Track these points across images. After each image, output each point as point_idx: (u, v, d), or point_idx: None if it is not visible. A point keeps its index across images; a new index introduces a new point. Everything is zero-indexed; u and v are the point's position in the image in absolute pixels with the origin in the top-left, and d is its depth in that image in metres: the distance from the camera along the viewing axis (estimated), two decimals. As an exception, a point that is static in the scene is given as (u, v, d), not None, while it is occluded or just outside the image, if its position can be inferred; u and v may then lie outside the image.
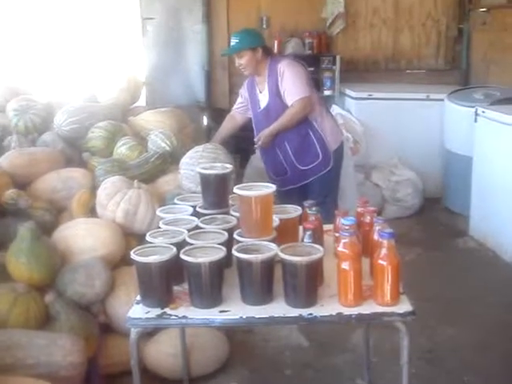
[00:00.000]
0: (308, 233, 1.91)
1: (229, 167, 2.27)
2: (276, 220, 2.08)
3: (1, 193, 3.15)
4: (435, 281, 3.99)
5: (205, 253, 1.83)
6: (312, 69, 5.61)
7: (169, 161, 3.66)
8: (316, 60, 5.84)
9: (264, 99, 3.88)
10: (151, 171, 3.55)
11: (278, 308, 1.79)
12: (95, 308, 2.82)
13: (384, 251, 1.74)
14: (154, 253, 1.85)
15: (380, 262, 1.75)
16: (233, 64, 6.14)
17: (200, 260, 1.77)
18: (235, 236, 1.96)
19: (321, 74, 5.90)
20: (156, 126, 4.07)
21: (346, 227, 1.87)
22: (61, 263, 2.87)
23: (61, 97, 4.44)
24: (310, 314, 1.75)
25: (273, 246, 1.84)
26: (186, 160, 3.42)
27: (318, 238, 2.00)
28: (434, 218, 5.28)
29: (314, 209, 2.16)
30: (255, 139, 3.96)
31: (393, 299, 1.78)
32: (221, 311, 1.79)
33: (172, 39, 5.93)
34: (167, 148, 3.73)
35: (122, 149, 3.75)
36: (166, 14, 5.86)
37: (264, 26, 6.00)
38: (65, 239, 2.98)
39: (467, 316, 3.53)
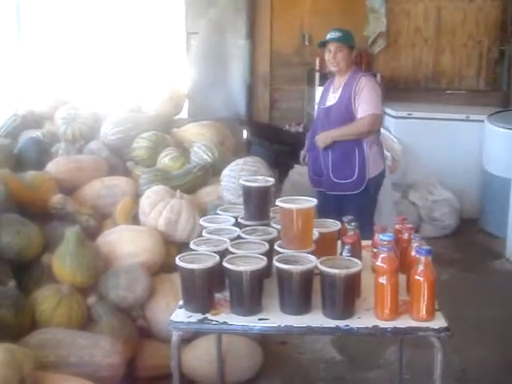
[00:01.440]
0: (347, 247, 1.96)
1: (270, 180, 2.34)
2: (316, 233, 2.14)
3: (48, 197, 3.28)
4: (469, 301, 3.98)
5: (246, 262, 1.90)
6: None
7: (210, 172, 3.75)
8: (356, 78, 5.88)
9: (332, 99, 3.93)
10: (193, 182, 3.64)
11: (316, 319, 1.85)
12: (135, 312, 2.91)
13: (421, 267, 1.79)
14: (198, 260, 1.92)
15: (417, 277, 1.79)
16: (274, 80, 6.30)
17: (242, 268, 1.84)
18: (276, 247, 2.02)
19: (362, 93, 5.93)
20: (198, 139, 4.17)
21: (385, 243, 1.92)
22: (104, 267, 2.98)
23: (107, 106, 4.59)
24: (347, 326, 1.80)
25: (312, 258, 1.90)
26: (227, 172, 3.50)
27: (356, 252, 2.05)
28: (471, 239, 5.25)
29: (352, 224, 2.22)
30: (316, 137, 3.96)
31: (428, 315, 1.82)
32: (260, 319, 1.85)
33: (215, 54, 6.08)
34: (209, 160, 3.82)
35: (165, 159, 3.85)
36: (210, 28, 6.02)
37: (306, 43, 6.10)
38: (108, 244, 3.09)
39: (501, 337, 3.51)
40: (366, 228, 3.44)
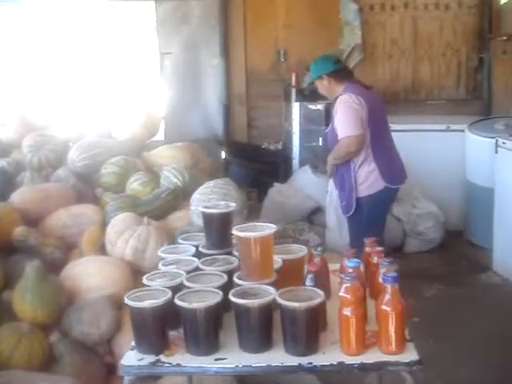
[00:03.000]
0: (310, 276, 1.83)
1: (232, 206, 2.21)
2: (279, 261, 2.01)
3: (11, 230, 3.14)
4: (456, 318, 3.85)
5: (202, 297, 1.76)
6: (329, 101, 5.57)
7: (180, 197, 3.63)
8: (333, 93, 5.78)
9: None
10: (162, 207, 3.52)
11: (277, 356, 1.71)
12: (101, 348, 2.76)
13: (387, 296, 1.65)
14: (149, 297, 1.79)
15: (383, 307, 1.66)
16: (251, 98, 6.20)
17: (194, 305, 1.70)
18: (234, 279, 1.89)
19: (338, 107, 5.83)
20: (170, 161, 4.05)
21: (350, 270, 1.80)
22: (67, 302, 2.83)
23: (77, 132, 4.47)
24: (310, 363, 1.66)
25: (272, 290, 1.77)
26: (196, 196, 3.38)
27: (321, 280, 1.91)
28: (457, 252, 5.13)
29: (319, 249, 2.09)
30: None
31: (398, 347, 1.68)
32: (216, 359, 1.71)
33: (190, 73, 5.98)
34: (179, 184, 3.70)
35: (135, 184, 3.73)
36: (183, 47, 5.92)
37: (282, 59, 6.01)
38: (73, 277, 2.95)
39: (490, 355, 3.38)
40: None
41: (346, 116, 3.65)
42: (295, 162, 5.63)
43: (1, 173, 3.68)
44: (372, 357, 1.68)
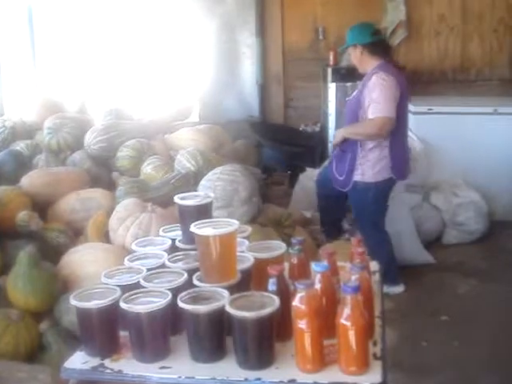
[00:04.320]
0: (272, 280, 1.64)
1: (210, 197, 2.05)
2: (250, 259, 1.84)
3: (17, 214, 3.11)
4: (488, 320, 3.55)
5: (154, 298, 1.62)
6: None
7: (191, 182, 3.49)
8: (373, 72, 5.48)
9: (354, 93, 3.94)
10: (171, 193, 3.36)
11: (227, 368, 1.55)
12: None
13: (347, 310, 1.45)
14: (99, 296, 1.66)
15: (342, 321, 1.46)
16: (288, 78, 5.98)
17: (138, 308, 1.56)
18: (194, 280, 1.74)
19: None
20: (190, 144, 3.93)
21: (317, 275, 1.61)
22: (62, 290, 2.76)
23: (98, 113, 4.41)
24: (258, 379, 1.49)
25: (226, 294, 1.60)
26: (203, 182, 3.24)
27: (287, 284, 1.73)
28: (501, 244, 4.77)
29: (296, 248, 1.90)
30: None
31: (359, 367, 1.48)
32: (161, 367, 1.57)
33: (225, 53, 5.81)
34: (192, 168, 3.56)
35: (148, 169, 3.63)
36: (218, 28, 5.74)
37: (320, 37, 5.74)
38: (70, 264, 2.88)
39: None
40: (363, 233, 3.53)
41: (386, 96, 3.56)
42: (331, 145, 5.38)
43: (15, 155, 3.64)
44: (328, 376, 1.49)
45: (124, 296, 1.62)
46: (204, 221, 1.78)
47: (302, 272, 1.89)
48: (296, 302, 1.49)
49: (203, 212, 2.02)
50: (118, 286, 1.71)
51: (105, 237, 3.14)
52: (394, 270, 3.92)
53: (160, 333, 1.60)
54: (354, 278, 1.61)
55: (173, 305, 1.60)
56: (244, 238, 2.10)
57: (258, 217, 3.51)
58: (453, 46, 5.74)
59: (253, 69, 5.84)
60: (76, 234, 3.26)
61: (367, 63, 3.74)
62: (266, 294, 1.59)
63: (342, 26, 5.60)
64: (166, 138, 4.14)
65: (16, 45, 5.41)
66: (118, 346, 1.67)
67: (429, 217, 4.81)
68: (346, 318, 1.46)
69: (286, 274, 1.91)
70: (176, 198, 2.04)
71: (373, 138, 3.68)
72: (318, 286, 1.63)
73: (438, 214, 4.85)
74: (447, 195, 4.89)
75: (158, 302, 1.58)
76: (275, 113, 5.94)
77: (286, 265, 1.95)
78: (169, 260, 1.90)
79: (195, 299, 1.60)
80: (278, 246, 1.98)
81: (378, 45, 3.78)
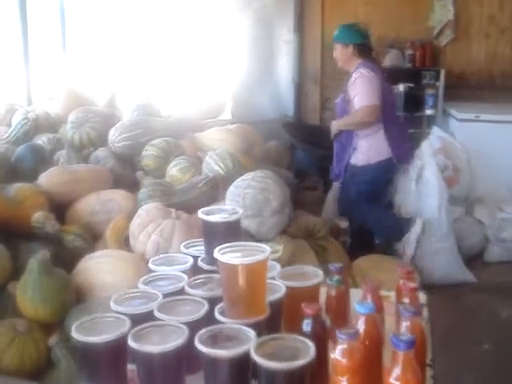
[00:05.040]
0: (306, 321, 1.39)
1: (238, 213, 1.80)
2: (282, 288, 1.60)
3: (32, 214, 2.92)
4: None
5: (168, 333, 1.39)
6: (411, 85, 5.00)
7: (220, 187, 3.26)
8: (416, 75, 5.18)
9: (340, 95, 4.24)
10: (198, 198, 3.16)
11: (250, 423, 1.31)
12: (105, 355, 2.47)
13: (397, 369, 1.19)
14: (105, 327, 1.43)
15: (392, 382, 1.20)
16: (325, 77, 5.70)
17: (149, 348, 1.33)
18: (216, 313, 1.49)
19: (422, 91, 5.22)
20: (218, 145, 3.70)
21: (361, 316, 1.36)
22: (75, 300, 2.56)
23: (127, 108, 4.21)
24: None
25: (252, 335, 1.36)
26: (232, 189, 2.99)
27: (334, 321, 1.48)
28: (550, 264, 4.43)
29: (335, 279, 1.65)
30: None
31: None
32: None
33: (261, 49, 5.56)
34: (220, 172, 3.33)
35: (174, 170, 3.41)
36: (255, 23, 5.49)
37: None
38: (85, 271, 2.67)
39: None
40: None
41: (367, 87, 3.88)
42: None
43: (35, 150, 3.46)
44: None
45: (134, 331, 1.39)
46: (230, 244, 1.53)
47: (340, 306, 1.64)
48: (337, 355, 1.24)
49: (231, 230, 1.79)
50: (128, 315, 1.48)
51: (125, 242, 2.93)
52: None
53: (173, 375, 1.36)
54: (404, 325, 1.35)
55: (190, 342, 1.36)
56: (275, 259, 1.86)
57: (289, 225, 3.27)
58: (502, 49, 5.40)
59: (289, 66, 5.58)
60: (95, 237, 3.06)
61: (352, 62, 4.04)
62: (300, 338, 1.34)
63: (384, 25, 5.36)
64: (194, 137, 3.91)
65: (47, 34, 5.25)
66: (125, 381, 1.45)
67: (471, 231, 4.50)
68: (396, 377, 1.20)
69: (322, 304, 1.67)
70: (200, 213, 1.80)
71: (364, 126, 3.98)
72: (361, 329, 1.38)
73: (481, 228, 4.54)
74: (492, 209, 4.57)
75: (173, 341, 1.34)
76: (311, 113, 5.67)
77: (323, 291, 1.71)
78: (189, 284, 1.67)
79: (216, 339, 1.36)
80: (314, 274, 1.73)
81: (367, 47, 4.10)
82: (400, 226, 4.08)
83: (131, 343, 1.34)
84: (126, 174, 3.56)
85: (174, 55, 5.62)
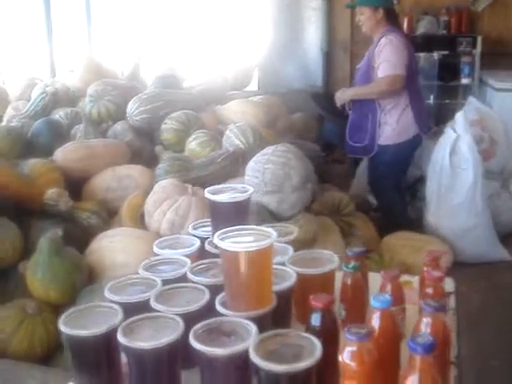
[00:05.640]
0: (314, 315, 1.25)
1: (248, 191, 1.67)
2: (292, 276, 1.46)
3: (46, 190, 2.83)
4: None
5: (163, 327, 1.27)
6: (446, 52, 4.74)
7: (240, 161, 3.11)
8: (452, 42, 4.90)
9: (362, 61, 4.03)
10: (217, 174, 3.03)
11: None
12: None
13: (415, 375, 1.05)
14: (97, 318, 1.33)
15: (407, 385, 1.06)
16: (355, 46, 5.46)
17: (140, 345, 1.21)
18: (217, 304, 1.37)
19: (457, 59, 4.95)
20: (240, 118, 3.56)
21: (375, 311, 1.21)
22: (87, 280, 2.47)
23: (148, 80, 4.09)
24: None
25: (253, 329, 1.23)
26: (251, 164, 2.84)
27: (349, 313, 1.33)
28: None
29: (351, 265, 1.50)
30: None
31: None
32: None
33: (288, 17, 5.35)
34: (241, 146, 3.19)
35: (193, 144, 3.28)
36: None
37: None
38: (98, 251, 2.58)
39: None
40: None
41: (395, 55, 3.68)
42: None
43: (51, 125, 3.37)
44: None
45: (125, 323, 1.27)
46: (232, 228, 1.39)
47: (357, 296, 1.50)
48: (345, 358, 1.10)
49: (239, 211, 1.66)
50: (122, 304, 1.37)
51: (140, 220, 2.83)
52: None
53: (167, 371, 1.25)
54: (425, 322, 1.20)
55: (186, 335, 1.24)
56: (288, 242, 1.73)
57: (313, 201, 3.12)
58: (545, 14, 5.06)
59: (317, 34, 5.36)
60: (110, 214, 2.97)
61: (379, 28, 3.80)
62: (306, 335, 1.20)
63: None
64: (215, 110, 3.77)
65: (71, 6, 5.14)
66: (119, 377, 1.34)
67: (507, 207, 4.27)
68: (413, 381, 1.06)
69: (337, 293, 1.54)
70: (206, 192, 1.67)
71: (384, 96, 3.78)
72: (375, 324, 1.24)
73: (518, 205, 4.30)
74: (530, 183, 4.32)
75: (167, 336, 1.22)
76: (340, 83, 5.42)
77: (339, 276, 1.58)
78: (192, 270, 1.54)
79: (213, 334, 1.24)
80: (329, 259, 1.59)
81: (394, 12, 3.92)
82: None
83: (120, 338, 1.23)
84: (145, 148, 3.45)
85: (200, 25, 5.44)
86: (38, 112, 3.71)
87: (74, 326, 1.29)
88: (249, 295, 1.33)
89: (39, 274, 2.36)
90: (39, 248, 2.40)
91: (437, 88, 4.90)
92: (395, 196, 4.00)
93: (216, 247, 1.66)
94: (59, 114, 3.58)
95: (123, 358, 1.33)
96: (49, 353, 2.29)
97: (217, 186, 1.72)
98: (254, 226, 1.41)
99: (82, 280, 2.44)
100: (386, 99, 3.79)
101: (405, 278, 1.73)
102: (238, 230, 1.39)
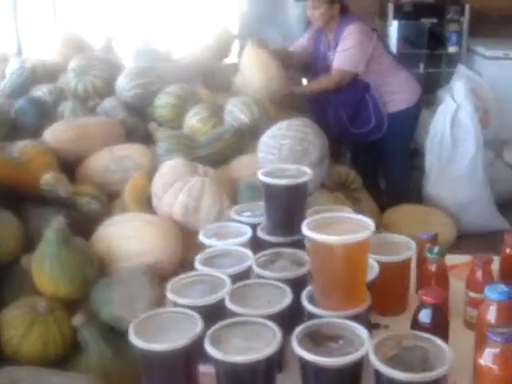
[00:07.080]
0: (424, 311, 1.11)
1: (307, 173, 1.50)
2: (374, 267, 1.31)
3: (40, 175, 2.58)
4: None
5: (249, 334, 1.10)
6: (434, 20, 4.63)
7: (247, 137, 2.93)
8: (439, 9, 4.78)
9: (332, 57, 3.69)
10: (224, 151, 2.84)
11: None
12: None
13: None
14: (170, 328, 1.14)
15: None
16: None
17: (234, 359, 1.04)
18: (304, 302, 1.20)
19: (445, 27, 4.85)
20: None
21: (492, 306, 1.07)
22: (98, 272, 2.26)
23: (126, 53, 3.81)
24: None
25: (363, 334, 1.07)
26: (265, 140, 2.66)
27: (443, 313, 1.18)
28: None
29: (436, 250, 1.36)
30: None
31: None
32: None
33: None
34: (246, 120, 3.00)
35: (193, 120, 3.07)
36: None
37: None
38: (107, 239, 2.36)
39: None
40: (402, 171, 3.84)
41: (354, 48, 3.50)
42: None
43: (35, 103, 3.09)
44: None
45: (211, 332, 1.09)
46: (319, 217, 1.22)
47: (442, 286, 1.36)
48: (487, 361, 0.96)
49: (299, 195, 1.49)
50: (196, 308, 1.19)
51: (145, 204, 2.62)
52: None
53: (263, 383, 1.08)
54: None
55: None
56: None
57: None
58: (532, -21, 4.97)
59: (301, 3, 5.13)
60: (110, 198, 2.75)
61: (334, 21, 3.61)
62: (424, 335, 1.05)
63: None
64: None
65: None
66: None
67: (501, 177, 4.24)
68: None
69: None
70: (261, 175, 1.49)
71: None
72: (491, 318, 1.10)
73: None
74: (524, 152, 4.30)
75: (264, 347, 1.05)
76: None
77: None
78: (257, 263, 1.37)
79: (316, 339, 1.07)
80: (406, 245, 1.44)
81: (346, 5, 3.71)
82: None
83: (211, 350, 1.05)
84: (138, 125, 3.21)
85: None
86: (15, 90, 3.42)
87: (148, 339, 1.10)
88: (343, 292, 1.18)
89: (47, 268, 2.14)
90: (45, 239, 2.17)
91: (426, 57, 4.80)
92: (409, 169, 3.92)
93: (270, 234, 1.50)
94: (41, 91, 3.30)
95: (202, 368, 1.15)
96: (64, 356, 2.09)
97: (268, 169, 1.54)
98: (345, 214, 1.24)
99: (94, 272, 2.23)
100: (373, 78, 3.62)
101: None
102: (325, 218, 1.22)
